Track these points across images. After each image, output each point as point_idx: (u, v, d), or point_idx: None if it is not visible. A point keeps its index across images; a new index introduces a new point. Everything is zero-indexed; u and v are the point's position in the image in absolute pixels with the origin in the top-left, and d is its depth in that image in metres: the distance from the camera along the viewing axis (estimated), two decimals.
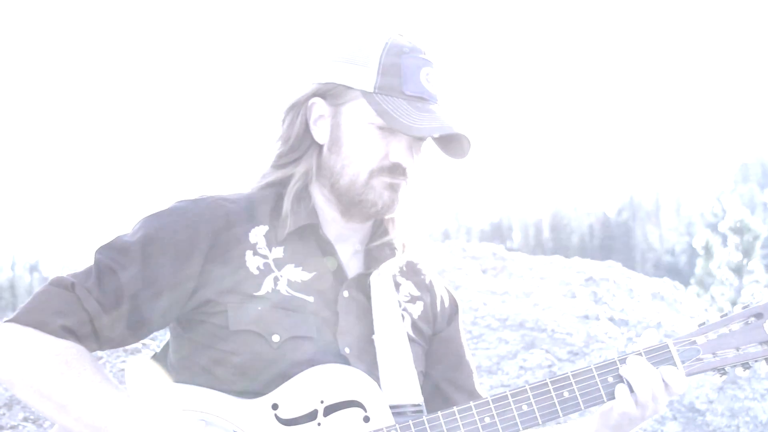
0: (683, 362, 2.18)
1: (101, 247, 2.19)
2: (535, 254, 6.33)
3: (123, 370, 3.85)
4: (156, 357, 2.41)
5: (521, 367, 4.44)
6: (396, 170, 2.22)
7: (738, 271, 12.80)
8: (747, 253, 12.83)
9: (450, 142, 2.28)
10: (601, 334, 4.87)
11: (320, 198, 2.30)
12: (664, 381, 2.16)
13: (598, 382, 2.16)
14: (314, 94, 2.27)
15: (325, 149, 2.26)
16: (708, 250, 13.37)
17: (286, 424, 2.11)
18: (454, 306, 2.51)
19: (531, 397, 2.14)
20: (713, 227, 14.63)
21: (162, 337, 3.93)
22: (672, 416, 4.48)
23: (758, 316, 2.21)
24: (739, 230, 12.83)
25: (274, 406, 2.12)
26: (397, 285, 2.40)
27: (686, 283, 13.06)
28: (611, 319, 5.12)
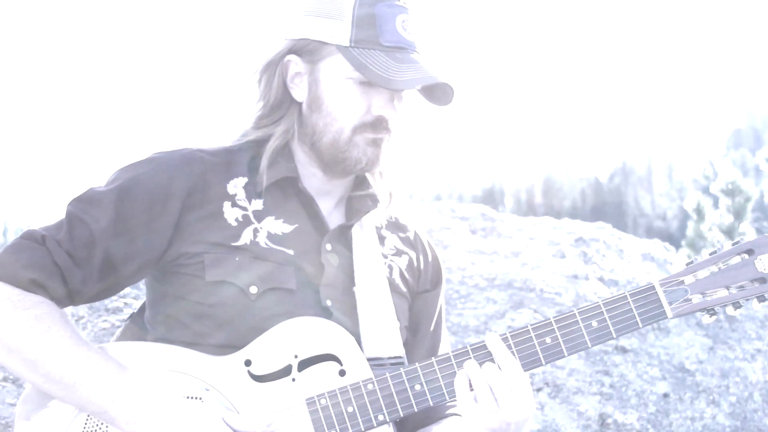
0: (670, 304, 2.10)
1: (73, 199, 2.15)
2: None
3: (104, 329, 3.79)
4: (132, 317, 2.38)
5: (509, 327, 4.40)
6: (379, 124, 2.18)
7: (729, 233, 12.77)
8: (738, 215, 12.80)
9: (433, 90, 2.24)
10: (590, 293, 4.83)
11: (301, 155, 2.26)
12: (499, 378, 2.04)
13: (582, 328, 2.10)
14: (289, 51, 2.22)
15: (304, 107, 2.22)
16: (699, 212, 13.33)
17: (259, 381, 2.07)
18: (438, 270, 2.49)
19: (512, 345, 2.09)
20: (705, 189, 14.62)
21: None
22: (661, 376, 4.45)
23: (749, 252, 2.13)
24: (731, 192, 12.79)
25: (247, 362, 2.08)
26: (382, 238, 2.38)
27: (677, 247, 13.04)
28: (600, 279, 5.08)
